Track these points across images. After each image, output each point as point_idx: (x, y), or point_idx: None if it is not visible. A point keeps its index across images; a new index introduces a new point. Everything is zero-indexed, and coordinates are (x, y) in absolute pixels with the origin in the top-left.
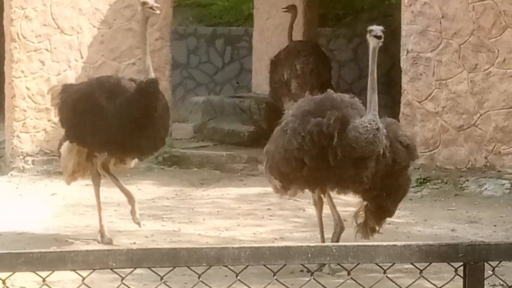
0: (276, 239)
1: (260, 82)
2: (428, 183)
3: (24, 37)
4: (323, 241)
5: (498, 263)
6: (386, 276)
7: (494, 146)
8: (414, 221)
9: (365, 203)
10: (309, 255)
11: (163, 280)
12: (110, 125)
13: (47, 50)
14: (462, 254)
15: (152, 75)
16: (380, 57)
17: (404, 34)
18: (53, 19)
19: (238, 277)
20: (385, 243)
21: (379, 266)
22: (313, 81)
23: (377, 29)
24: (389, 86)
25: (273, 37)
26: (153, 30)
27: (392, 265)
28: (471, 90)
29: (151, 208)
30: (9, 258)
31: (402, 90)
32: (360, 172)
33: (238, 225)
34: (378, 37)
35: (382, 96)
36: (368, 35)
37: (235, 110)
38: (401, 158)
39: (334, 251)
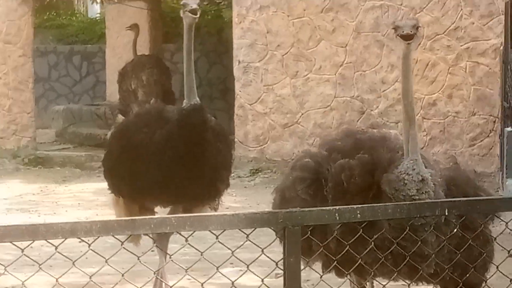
0: None
1: (113, 92)
2: (259, 173)
3: None
4: None
5: None
6: (219, 241)
7: (314, 140)
8: (249, 206)
9: None
10: (152, 226)
11: (24, 253)
12: (150, 167)
13: None
14: (281, 220)
15: (196, 99)
16: (216, 68)
17: (236, 47)
18: None
19: (91, 247)
20: (216, 213)
21: (212, 232)
22: (157, 90)
23: (406, 24)
24: (225, 93)
25: (123, 53)
26: (17, 48)
27: (223, 231)
28: (293, 93)
29: (19, 203)
30: None
31: (235, 95)
32: (415, 252)
33: (97, 215)
34: (407, 37)
35: (219, 101)
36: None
37: (92, 117)
38: (473, 222)
39: (174, 221)
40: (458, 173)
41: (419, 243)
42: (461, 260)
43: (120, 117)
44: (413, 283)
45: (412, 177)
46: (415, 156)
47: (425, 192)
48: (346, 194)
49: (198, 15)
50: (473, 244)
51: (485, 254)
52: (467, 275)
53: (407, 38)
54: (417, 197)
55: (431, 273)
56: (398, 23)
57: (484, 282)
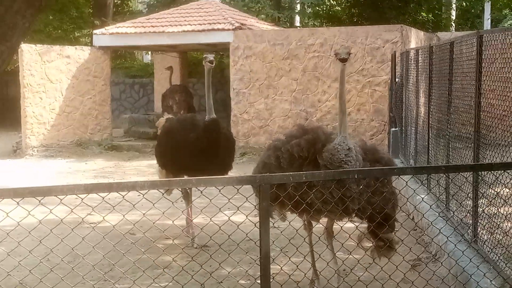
0: None
1: (158, 107)
2: (245, 155)
3: (30, 85)
4: (313, 262)
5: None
6: (221, 193)
7: (278, 136)
8: (239, 174)
9: (366, 225)
10: (181, 183)
11: (104, 199)
12: (185, 154)
13: (43, 91)
14: (258, 181)
15: (213, 115)
16: (220, 93)
17: (232, 80)
18: (46, 75)
19: (144, 197)
20: (220, 177)
21: (217, 188)
22: (184, 105)
23: (343, 52)
24: (225, 107)
25: (164, 83)
26: (100, 80)
27: (223, 187)
28: (265, 107)
29: (102, 173)
30: (20, 190)
31: (231, 109)
32: (344, 194)
33: (148, 179)
34: (343, 60)
35: (222, 113)
36: (337, 58)
37: (145, 121)
38: (378, 180)
39: (194, 181)
40: (369, 146)
41: (340, 194)
42: (376, 202)
43: (160, 121)
44: (340, 219)
45: (343, 147)
46: (345, 134)
47: (350, 156)
48: (294, 161)
49: (213, 64)
50: (384, 192)
51: (393, 199)
52: (383, 213)
53: (343, 60)
54: (345, 159)
55: (355, 214)
56: (337, 51)
57: (394, 218)
